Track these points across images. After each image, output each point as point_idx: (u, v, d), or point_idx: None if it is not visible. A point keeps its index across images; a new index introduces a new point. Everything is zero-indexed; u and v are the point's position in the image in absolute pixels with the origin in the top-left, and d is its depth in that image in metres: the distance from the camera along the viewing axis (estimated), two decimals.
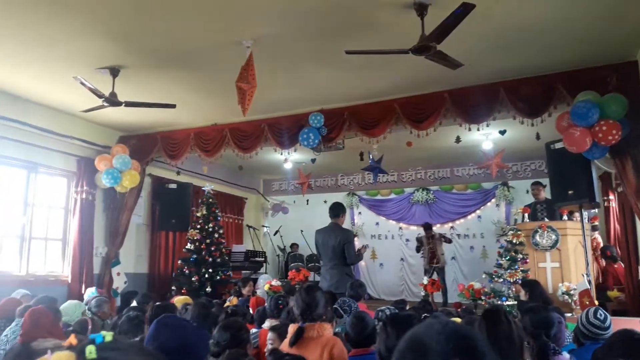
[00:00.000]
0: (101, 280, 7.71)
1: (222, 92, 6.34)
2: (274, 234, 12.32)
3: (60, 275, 7.44)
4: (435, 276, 8.85)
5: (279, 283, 7.75)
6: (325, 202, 12.12)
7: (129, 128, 8.16)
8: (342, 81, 6.21)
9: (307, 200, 11.96)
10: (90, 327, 3.99)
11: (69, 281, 7.36)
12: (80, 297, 6.72)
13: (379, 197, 12.35)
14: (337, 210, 6.10)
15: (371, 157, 8.48)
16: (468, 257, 11.33)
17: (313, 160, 8.65)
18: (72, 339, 0.90)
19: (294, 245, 12.37)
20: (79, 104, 6.69)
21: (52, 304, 4.07)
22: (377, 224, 12.37)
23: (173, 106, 6.04)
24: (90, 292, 6.65)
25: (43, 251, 7.40)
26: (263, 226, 12.71)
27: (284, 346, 2.89)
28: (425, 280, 6.74)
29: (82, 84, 5.20)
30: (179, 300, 5.57)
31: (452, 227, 11.43)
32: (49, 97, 6.80)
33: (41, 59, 5.58)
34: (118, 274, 7.93)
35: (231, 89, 5.14)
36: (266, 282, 7.77)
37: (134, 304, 5.71)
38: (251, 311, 5.24)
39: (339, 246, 5.88)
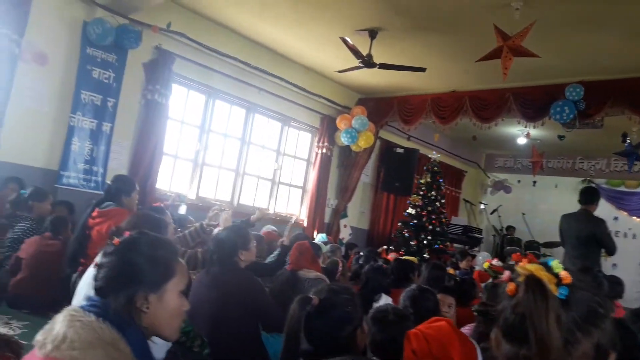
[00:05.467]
0: (330, 229, 8.39)
1: (470, 57, 6.09)
2: (491, 213, 11.76)
3: (298, 219, 8.32)
4: None
5: (500, 264, 7.39)
6: (556, 186, 11.06)
7: (368, 90, 8.52)
8: (613, 50, 5.42)
9: (534, 182, 11.06)
10: (340, 268, 4.34)
11: (304, 225, 8.18)
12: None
13: (622, 188, 10.73)
14: (591, 196, 5.44)
15: (628, 140, 7.33)
16: None
17: (561, 137, 7.86)
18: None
19: (511, 228, 11.63)
20: (332, 64, 7.20)
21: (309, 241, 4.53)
22: (616, 218, 10.79)
23: (423, 70, 6.06)
24: (321, 237, 7.30)
25: (287, 195, 8.34)
26: (480, 202, 12.22)
27: None
28: None
29: (346, 44, 5.53)
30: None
31: None
32: (306, 57, 7.45)
33: (307, 20, 6.09)
34: (345, 225, 8.53)
35: (480, 54, 4.92)
36: (486, 260, 7.48)
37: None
38: None
39: (588, 236, 5.26)
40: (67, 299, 3.79)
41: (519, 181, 11.74)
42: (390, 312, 2.00)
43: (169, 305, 1.40)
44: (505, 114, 6.92)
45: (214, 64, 6.76)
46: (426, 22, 5.58)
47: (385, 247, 8.27)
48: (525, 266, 0.90)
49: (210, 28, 6.57)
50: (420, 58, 6.45)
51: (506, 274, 0.99)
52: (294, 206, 8.47)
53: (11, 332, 3.41)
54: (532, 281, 0.94)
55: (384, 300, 3.77)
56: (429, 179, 8.77)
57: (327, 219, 8.54)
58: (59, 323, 1.25)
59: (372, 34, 5.92)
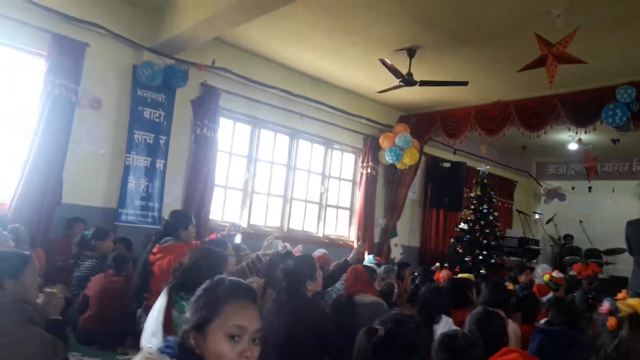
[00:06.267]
0: (380, 249, 8.33)
1: (512, 67, 6.00)
2: (547, 222, 11.35)
3: (347, 240, 8.32)
4: None
5: (560, 275, 7.11)
6: (613, 190, 10.59)
7: (409, 107, 8.50)
8: None
9: (590, 188, 10.61)
10: (396, 290, 4.30)
11: (354, 246, 8.14)
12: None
13: None
14: None
15: None
16: None
17: (615, 141, 7.55)
18: None
19: (569, 237, 11.17)
20: (372, 85, 7.25)
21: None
22: None
23: (465, 83, 6.01)
24: (369, 258, 7.25)
25: (334, 218, 8.37)
26: (534, 212, 11.83)
27: None
28: None
29: (385, 65, 5.57)
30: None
31: None
32: (345, 80, 7.55)
33: (343, 46, 6.21)
34: (395, 245, 8.46)
35: (522, 62, 4.87)
36: (545, 272, 7.21)
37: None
38: None
39: None
40: (133, 334, 3.94)
41: (573, 188, 11.29)
42: (459, 338, 1.97)
43: (212, 346, 1.34)
44: (553, 121, 6.74)
45: (257, 95, 6.95)
46: (464, 36, 5.56)
47: (438, 264, 8.12)
48: (627, 301, 0.86)
49: (251, 61, 6.79)
50: (461, 72, 6.40)
51: (605, 305, 0.97)
52: (343, 228, 8.47)
53: None
54: (637, 320, 0.90)
55: (444, 322, 3.69)
56: (479, 192, 8.59)
57: (377, 239, 8.48)
58: None
59: (411, 52, 5.94)
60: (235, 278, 1.59)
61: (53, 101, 5.13)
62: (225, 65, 6.39)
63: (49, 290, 2.54)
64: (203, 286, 1.47)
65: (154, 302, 3.66)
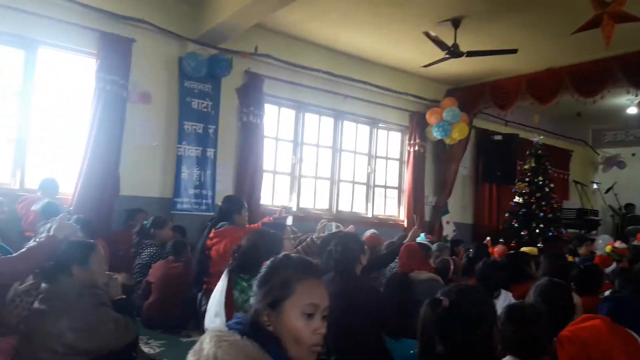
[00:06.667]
0: (432, 227, 8.22)
1: (564, 30, 5.71)
2: (606, 192, 10.82)
3: (397, 220, 8.26)
4: None
5: (623, 245, 6.81)
6: None
7: (456, 80, 8.26)
8: None
9: None
10: (452, 267, 4.24)
11: (405, 225, 8.08)
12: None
13: None
14: None
15: None
16: None
17: None
18: None
19: (630, 206, 10.61)
20: (416, 60, 7.09)
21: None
22: None
23: (514, 51, 5.80)
24: (421, 236, 7.16)
25: (382, 198, 8.31)
26: (592, 182, 11.31)
27: None
28: None
29: (429, 37, 5.43)
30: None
31: None
32: (388, 57, 7.42)
33: (387, 21, 6.08)
34: (447, 222, 8.32)
35: (574, 26, 4.62)
36: (607, 243, 6.93)
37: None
38: None
39: None
40: (195, 317, 4.09)
41: (633, 154, 10.73)
42: (526, 309, 1.92)
43: (287, 324, 1.37)
44: (610, 85, 6.39)
45: (300, 79, 6.95)
46: (511, 2, 5.33)
47: (489, 238, 7.91)
48: None
49: (293, 45, 6.79)
50: (508, 39, 6.14)
51: None
52: (392, 207, 8.40)
53: (152, 352, 3.71)
54: None
55: (504, 296, 3.62)
56: (533, 164, 8.30)
57: (427, 217, 8.37)
58: (207, 344, 1.31)
59: (455, 23, 5.77)
60: (302, 256, 1.60)
61: (105, 97, 5.32)
62: (267, 51, 6.42)
63: (107, 272, 2.65)
64: (271, 264, 1.49)
65: (213, 285, 3.78)
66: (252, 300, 1.46)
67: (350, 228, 4.14)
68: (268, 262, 1.49)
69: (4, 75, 5.19)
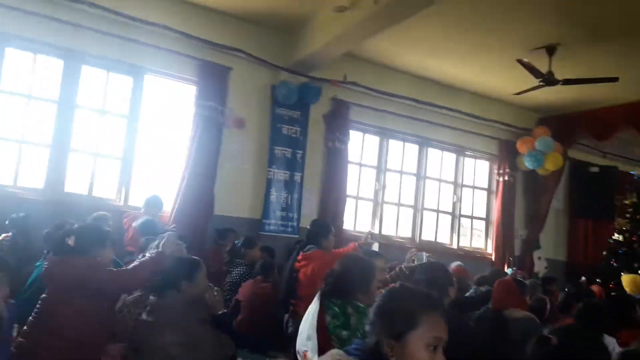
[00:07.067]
0: (522, 262, 7.81)
1: None
2: None
3: (484, 252, 7.95)
4: None
5: None
6: None
7: (549, 109, 7.92)
8: None
9: None
10: (548, 305, 4.00)
11: (493, 259, 7.76)
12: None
13: None
14: None
15: None
16: None
17: None
18: None
19: None
20: (506, 87, 6.92)
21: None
22: None
23: (615, 79, 5.49)
24: (508, 271, 6.82)
25: (469, 229, 8.05)
26: None
27: None
28: None
29: (523, 65, 5.27)
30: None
31: None
32: (476, 84, 7.29)
33: (476, 49, 6.02)
34: (539, 258, 7.87)
35: None
36: None
37: None
38: None
39: None
40: (281, 338, 4.15)
41: None
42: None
43: (411, 356, 1.39)
44: None
45: (385, 105, 7.00)
46: (610, 28, 5.10)
47: (584, 278, 7.36)
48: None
49: (379, 72, 6.87)
50: (607, 67, 5.84)
51: None
52: (479, 240, 8.11)
53: None
54: None
55: (607, 341, 3.35)
56: (635, 199, 7.68)
57: (517, 252, 7.97)
58: None
59: (550, 50, 5.58)
60: (424, 289, 1.60)
61: (203, 122, 5.67)
62: (354, 78, 6.55)
63: (210, 285, 2.78)
64: (389, 295, 1.52)
65: (300, 307, 3.84)
66: (367, 328, 1.48)
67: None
68: (384, 292, 1.51)
69: (114, 99, 5.69)
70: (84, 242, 2.48)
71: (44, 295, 2.39)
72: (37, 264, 3.39)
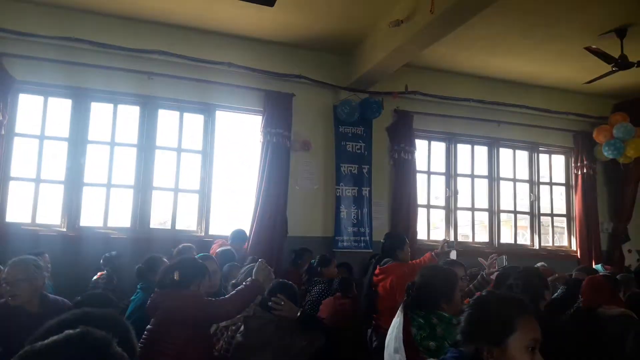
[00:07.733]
0: (610, 257, 7.37)
1: None
2: None
3: (569, 250, 7.57)
4: None
5: None
6: None
7: (624, 94, 7.50)
8: None
9: None
10: None
11: (578, 256, 7.38)
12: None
13: None
14: None
15: None
16: None
17: None
18: None
19: None
20: (576, 77, 6.66)
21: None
22: None
23: None
24: (597, 267, 6.44)
25: (549, 227, 7.71)
26: None
27: None
28: None
29: (592, 52, 5.07)
30: None
31: None
32: (544, 77, 7.05)
33: (540, 42, 5.83)
34: (629, 251, 7.39)
35: None
36: None
37: None
38: None
39: None
40: (363, 353, 4.19)
41: None
42: None
43: (514, 358, 1.46)
44: None
45: (449, 110, 6.94)
46: None
47: None
48: None
49: (440, 78, 6.85)
50: None
51: None
52: (562, 237, 7.74)
53: None
54: None
55: None
56: None
57: (604, 246, 7.53)
58: None
59: (621, 32, 5.31)
60: (511, 294, 1.65)
61: (272, 148, 5.90)
62: (415, 88, 6.57)
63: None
64: (478, 303, 1.58)
65: (382, 321, 3.87)
66: (460, 337, 1.53)
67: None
68: (473, 301, 1.55)
69: (189, 137, 6.06)
70: (186, 275, 2.66)
71: (149, 326, 2.59)
72: (132, 297, 3.60)
